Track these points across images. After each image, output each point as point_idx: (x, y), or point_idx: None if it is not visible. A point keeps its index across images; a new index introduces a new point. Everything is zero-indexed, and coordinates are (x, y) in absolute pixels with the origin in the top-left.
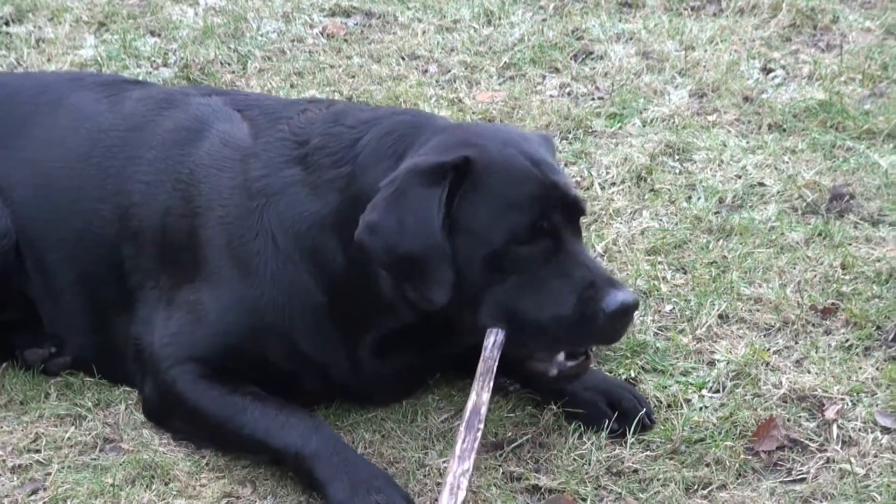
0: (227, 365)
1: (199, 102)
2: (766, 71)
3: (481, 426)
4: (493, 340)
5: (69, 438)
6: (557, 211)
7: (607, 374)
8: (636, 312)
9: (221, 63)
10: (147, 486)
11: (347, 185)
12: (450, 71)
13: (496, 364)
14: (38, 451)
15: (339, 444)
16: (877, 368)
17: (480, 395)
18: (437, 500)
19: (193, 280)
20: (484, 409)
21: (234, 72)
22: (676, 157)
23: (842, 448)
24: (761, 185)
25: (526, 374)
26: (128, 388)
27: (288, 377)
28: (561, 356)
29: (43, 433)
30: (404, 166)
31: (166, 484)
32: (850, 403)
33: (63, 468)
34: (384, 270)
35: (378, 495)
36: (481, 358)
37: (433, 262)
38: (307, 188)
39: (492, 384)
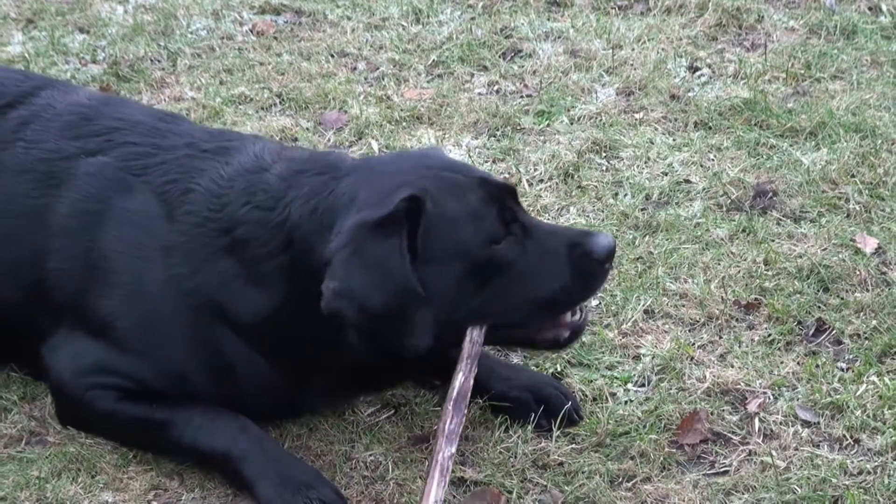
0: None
1: (88, 174)
2: (693, 69)
3: (466, 410)
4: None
5: None
6: (505, 198)
7: (534, 370)
8: None
9: (151, 60)
10: (73, 479)
11: (292, 275)
12: (378, 68)
13: (481, 348)
14: None
15: (267, 441)
16: (798, 363)
17: (469, 377)
18: (424, 485)
19: (126, 350)
20: (468, 394)
21: (163, 69)
22: (603, 154)
23: (763, 441)
24: (687, 182)
25: (534, 347)
26: None
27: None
28: (568, 316)
29: None
30: (350, 226)
31: (93, 476)
32: (771, 397)
33: None
34: (358, 331)
35: (309, 491)
36: (467, 340)
37: (411, 308)
38: (250, 282)
39: (476, 369)
